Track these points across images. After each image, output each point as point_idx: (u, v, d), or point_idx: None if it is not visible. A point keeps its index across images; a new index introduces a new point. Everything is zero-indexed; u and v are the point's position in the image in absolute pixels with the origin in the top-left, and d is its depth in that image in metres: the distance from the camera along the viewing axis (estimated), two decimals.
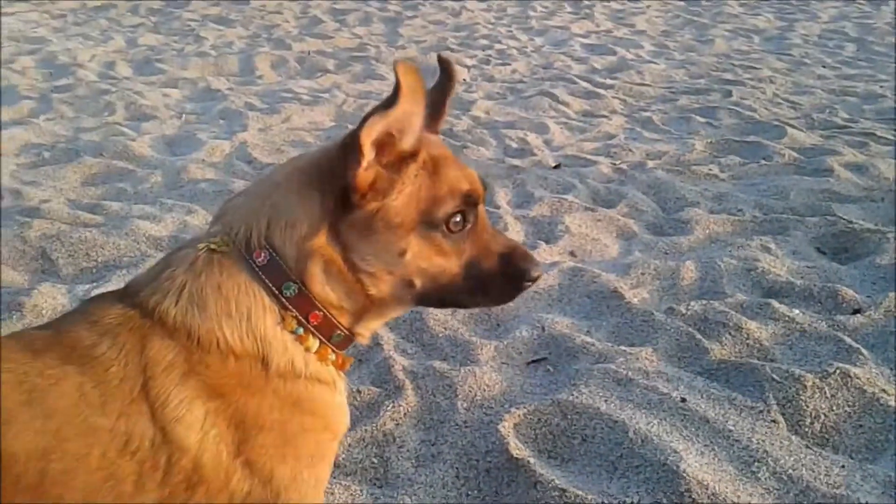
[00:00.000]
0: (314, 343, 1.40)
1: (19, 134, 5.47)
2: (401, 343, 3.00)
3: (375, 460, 2.40)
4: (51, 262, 3.63)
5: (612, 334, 3.07)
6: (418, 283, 1.41)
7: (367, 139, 1.29)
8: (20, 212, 4.13)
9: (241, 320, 1.35)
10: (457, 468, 2.35)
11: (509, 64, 7.88)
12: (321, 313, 1.39)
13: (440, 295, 1.46)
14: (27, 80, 7.04)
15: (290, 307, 1.36)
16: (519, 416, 2.53)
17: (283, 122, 5.98)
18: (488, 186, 1.64)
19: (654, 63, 7.89)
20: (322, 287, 1.38)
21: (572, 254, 3.83)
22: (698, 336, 2.95)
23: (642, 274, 3.52)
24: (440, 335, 3.04)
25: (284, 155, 5.18)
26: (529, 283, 1.50)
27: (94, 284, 3.38)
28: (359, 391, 2.66)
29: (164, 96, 6.66)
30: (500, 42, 8.95)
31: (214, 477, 1.30)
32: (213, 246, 1.39)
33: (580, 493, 2.19)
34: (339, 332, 1.43)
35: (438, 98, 1.55)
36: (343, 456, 2.38)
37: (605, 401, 2.59)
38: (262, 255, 1.36)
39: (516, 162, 5.06)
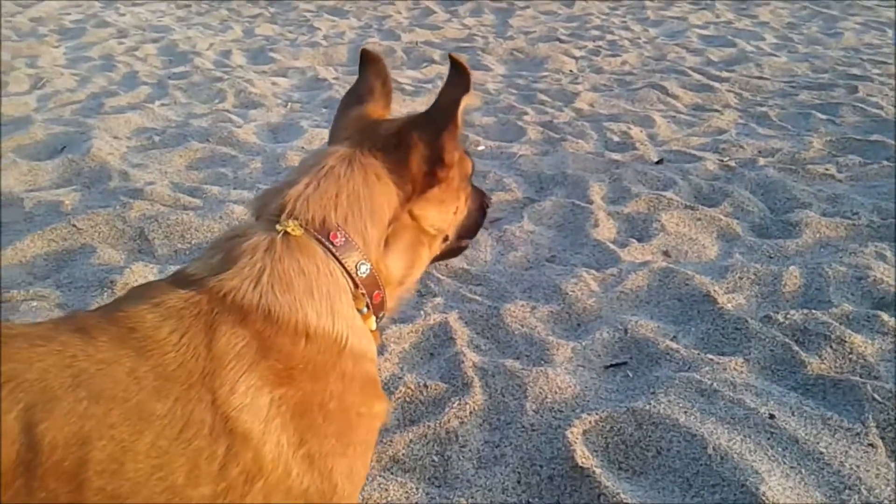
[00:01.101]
0: (373, 322, 1.50)
1: (134, 118, 5.70)
2: (475, 339, 2.92)
3: (436, 458, 2.33)
4: (147, 241, 3.75)
5: (700, 341, 2.89)
6: (452, 233, 1.67)
7: (460, 116, 1.45)
8: (125, 192, 4.29)
9: (322, 300, 1.37)
10: (519, 473, 2.25)
11: (619, 55, 7.63)
12: (381, 293, 1.49)
13: (455, 242, 1.72)
14: (148, 66, 7.34)
15: (362, 286, 1.43)
16: (590, 422, 2.40)
17: None
18: None
19: (776, 56, 7.45)
20: (396, 264, 1.53)
21: (666, 254, 3.63)
22: (795, 347, 2.73)
23: (740, 278, 3.30)
24: (516, 332, 2.94)
25: None
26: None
27: (184, 265, 3.46)
28: (426, 386, 2.59)
29: (273, 85, 6.81)
30: (611, 33, 8.69)
31: (273, 470, 1.24)
32: (289, 230, 1.40)
33: None
34: (383, 312, 1.53)
35: (374, 83, 1.74)
36: (403, 451, 2.32)
37: (685, 412, 2.42)
38: (339, 236, 1.42)
39: (616, 156, 4.87)
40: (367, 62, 1.77)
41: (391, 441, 2.34)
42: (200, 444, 1.17)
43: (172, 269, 3.42)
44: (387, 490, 2.17)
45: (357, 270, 1.42)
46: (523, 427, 2.41)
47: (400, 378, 2.63)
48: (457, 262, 3.54)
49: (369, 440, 1.44)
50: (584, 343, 2.87)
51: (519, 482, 2.22)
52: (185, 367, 1.20)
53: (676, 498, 2.14)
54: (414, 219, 1.54)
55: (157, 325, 1.23)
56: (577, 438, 2.32)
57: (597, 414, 2.43)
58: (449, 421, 2.44)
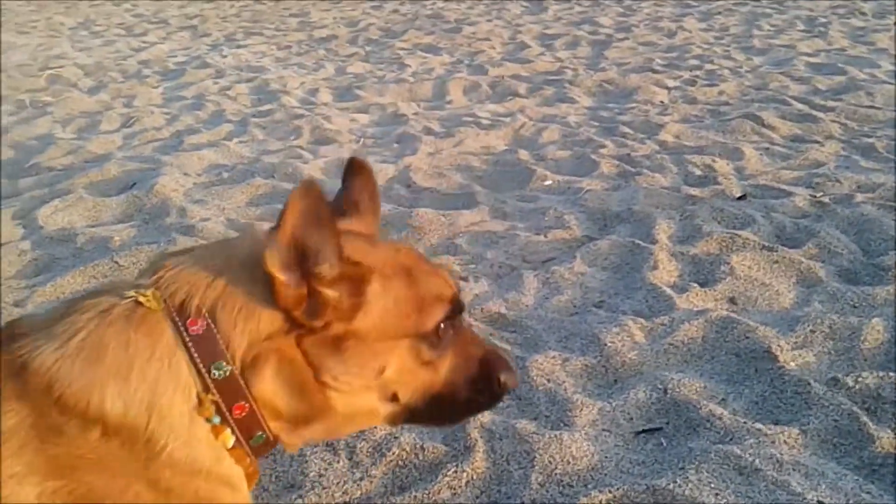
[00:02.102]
0: (230, 438, 1.20)
1: (208, 155, 5.74)
2: None
3: None
4: None
5: (752, 405, 2.48)
6: (403, 396, 1.31)
7: (273, 268, 1.15)
8: (178, 229, 4.26)
9: (139, 388, 1.13)
10: None
11: (716, 84, 7.16)
12: (248, 406, 1.20)
13: (425, 410, 1.34)
14: (236, 105, 7.47)
15: (214, 390, 1.17)
16: (600, 500, 2.07)
17: (455, 145, 5.79)
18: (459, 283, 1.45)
19: (890, 83, 6.79)
20: (268, 386, 1.20)
21: (732, 300, 3.22)
22: (864, 418, 2.30)
23: (812, 331, 2.86)
24: (540, 388, 2.63)
25: (444, 180, 4.98)
26: (504, 395, 1.42)
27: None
28: (422, 448, 2.33)
29: (350, 121, 6.76)
30: (711, 62, 8.20)
31: None
32: (141, 299, 1.18)
33: None
34: (261, 433, 1.23)
35: (360, 196, 1.45)
36: None
37: (717, 494, 2.05)
38: (200, 323, 1.17)
39: (694, 191, 4.46)
40: (354, 173, 1.49)
41: None
42: None
43: None
44: None
45: (211, 370, 1.16)
46: (523, 503, 2.10)
47: (396, 438, 2.37)
48: (494, 305, 3.26)
49: None
50: (614, 403, 2.53)
51: None
52: None
53: None
54: (308, 360, 1.21)
55: None
56: None
57: (610, 492, 2.09)
58: (440, 491, 2.16)
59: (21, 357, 1.12)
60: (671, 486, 2.07)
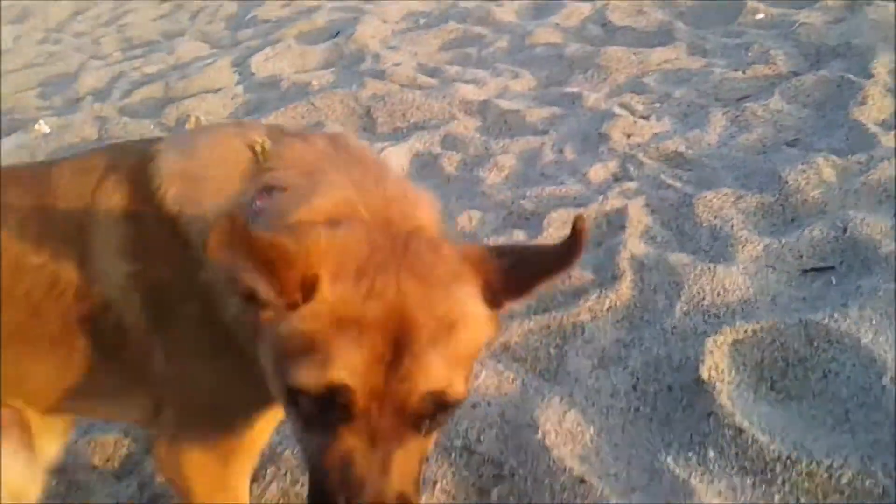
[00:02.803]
0: None
1: (407, 3, 5.79)
2: (654, 229, 2.54)
3: (552, 351, 2.10)
4: (372, 120, 3.84)
5: None
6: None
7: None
8: (370, 73, 4.42)
9: (204, 199, 1.18)
10: (637, 378, 1.94)
11: None
12: None
13: None
14: None
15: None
16: (747, 331, 1.98)
17: None
18: None
19: None
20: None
21: None
22: None
23: None
24: (704, 224, 2.51)
25: (643, 17, 4.67)
26: None
27: (394, 143, 3.49)
28: (569, 275, 2.33)
29: None
30: None
31: (136, 341, 1.21)
32: (258, 149, 1.21)
33: (763, 437, 1.65)
34: None
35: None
36: (517, 340, 2.13)
37: (875, 332, 1.89)
38: (264, 201, 1.14)
39: None
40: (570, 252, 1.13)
41: (506, 329, 2.15)
42: (68, 302, 1.18)
43: (380, 146, 3.46)
44: (479, 376, 2.00)
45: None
46: (663, 329, 2.07)
47: None
48: (672, 143, 3.11)
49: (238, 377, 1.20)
50: (784, 241, 2.36)
51: (634, 388, 1.92)
52: (69, 219, 1.19)
53: (822, 431, 1.70)
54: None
55: (67, 175, 1.24)
56: (719, 348, 1.93)
57: (758, 323, 1.99)
58: (579, 315, 2.17)
59: (152, 150, 1.25)
60: (826, 321, 1.93)
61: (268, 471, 1.71)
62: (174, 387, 1.24)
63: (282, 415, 1.29)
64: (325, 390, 0.96)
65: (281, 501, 1.67)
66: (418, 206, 1.16)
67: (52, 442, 1.48)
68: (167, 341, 1.20)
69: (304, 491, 1.67)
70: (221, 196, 1.17)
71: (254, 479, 1.70)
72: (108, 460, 1.88)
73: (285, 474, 1.70)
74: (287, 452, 1.76)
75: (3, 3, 7.24)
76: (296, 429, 1.08)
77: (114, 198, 1.20)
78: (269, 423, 1.34)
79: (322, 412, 0.99)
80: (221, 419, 1.27)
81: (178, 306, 1.18)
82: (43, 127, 4.21)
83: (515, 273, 1.05)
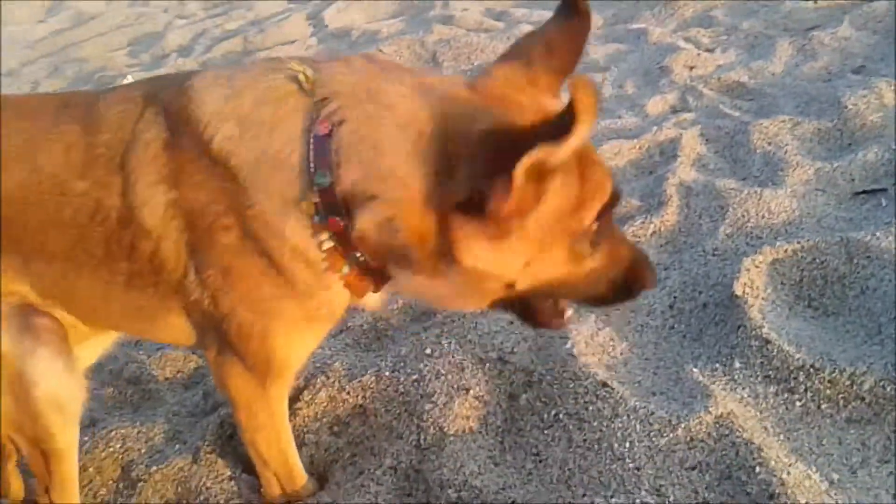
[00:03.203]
0: (328, 241, 1.24)
1: None
2: (706, 157, 2.54)
3: None
4: (437, 63, 3.91)
5: None
6: (522, 285, 1.21)
7: (523, 174, 1.05)
8: (439, 20, 4.48)
9: (252, 146, 1.22)
10: (675, 297, 1.98)
11: None
12: (343, 225, 1.21)
13: (530, 297, 1.27)
14: None
15: (316, 192, 1.20)
16: (787, 251, 1.98)
17: None
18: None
19: None
20: (366, 229, 1.18)
21: None
22: None
23: None
24: (758, 151, 2.49)
25: None
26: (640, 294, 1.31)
27: None
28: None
29: None
30: None
31: (173, 269, 1.30)
32: (301, 78, 1.22)
33: (788, 348, 1.68)
34: (360, 255, 1.25)
35: (564, 39, 1.25)
36: None
37: None
38: (327, 127, 1.18)
39: None
40: (571, 12, 1.25)
41: None
42: (110, 228, 1.28)
43: None
44: None
45: (315, 175, 1.18)
46: (705, 251, 2.09)
47: None
48: (734, 74, 3.06)
49: (277, 309, 1.31)
50: (836, 164, 2.33)
51: (671, 306, 1.96)
52: (111, 147, 1.28)
53: (851, 343, 1.71)
54: (449, 238, 1.14)
55: (109, 106, 1.32)
56: (756, 266, 1.94)
57: (801, 242, 1.99)
58: None
59: (190, 84, 1.30)
60: (868, 239, 1.92)
61: (318, 380, 1.85)
62: (210, 312, 1.32)
63: (321, 336, 1.45)
64: (609, 201, 1.18)
65: (329, 406, 1.80)
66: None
67: (91, 350, 1.61)
68: (203, 268, 1.28)
69: (351, 397, 1.81)
70: (276, 136, 1.21)
71: (305, 387, 1.85)
72: (178, 372, 2.07)
73: (333, 383, 1.84)
74: (337, 364, 1.89)
75: None
76: (567, 267, 1.21)
77: (153, 129, 1.27)
78: (305, 347, 1.43)
79: (598, 230, 1.19)
80: (255, 342, 1.35)
81: (217, 234, 1.25)
82: (131, 81, 4.46)
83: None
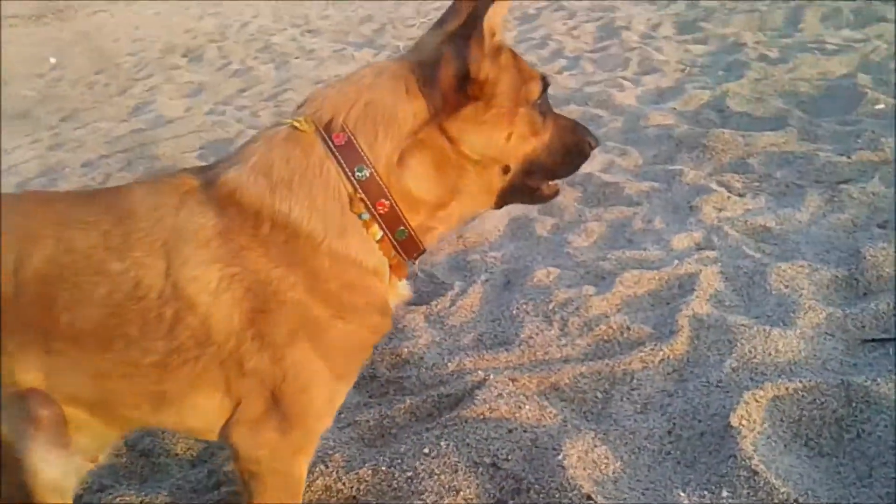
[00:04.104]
0: (377, 232, 1.44)
1: None
2: (722, 293, 2.61)
3: (599, 395, 2.21)
4: None
5: None
6: (513, 165, 1.50)
7: (489, 27, 1.37)
8: None
9: (300, 192, 1.39)
10: (674, 423, 2.02)
11: None
12: (388, 202, 1.43)
13: (522, 178, 1.53)
14: (577, 43, 7.73)
15: (359, 189, 1.41)
16: (787, 389, 2.03)
17: (788, 72, 5.44)
18: None
19: None
20: (418, 182, 1.45)
21: None
22: None
23: None
24: (774, 293, 2.56)
25: (761, 105, 4.75)
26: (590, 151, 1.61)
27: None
28: (628, 328, 2.45)
29: (683, 52, 6.64)
30: None
31: (224, 340, 1.36)
32: (295, 124, 1.46)
33: (776, 481, 1.70)
34: (402, 227, 1.46)
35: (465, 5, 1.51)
36: (567, 382, 2.26)
37: None
38: (342, 136, 1.41)
39: None
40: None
41: (559, 370, 2.28)
42: (149, 305, 1.35)
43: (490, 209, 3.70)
44: (523, 408, 2.14)
45: (354, 173, 1.40)
46: (709, 382, 2.14)
47: (607, 318, 2.52)
48: (762, 219, 3.17)
49: (347, 346, 1.45)
50: (848, 311, 2.38)
51: (669, 432, 2.00)
52: (151, 235, 1.38)
53: (840, 483, 1.72)
54: (451, 141, 1.44)
55: (142, 198, 1.43)
56: (756, 400, 1.99)
57: (802, 382, 2.03)
58: (631, 363, 2.28)
59: (213, 173, 1.46)
60: (869, 384, 1.95)
61: (317, 468, 1.92)
62: (264, 377, 1.39)
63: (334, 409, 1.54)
64: (543, 81, 1.51)
65: (323, 495, 1.87)
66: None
67: (94, 442, 1.55)
68: (265, 333, 1.37)
69: (346, 488, 1.87)
70: (312, 174, 1.42)
71: None
72: (188, 449, 2.16)
73: (331, 472, 1.90)
74: (337, 455, 1.96)
75: (181, 79, 8.22)
76: (533, 138, 1.50)
77: (200, 217, 1.39)
78: (340, 396, 1.53)
79: (542, 105, 1.51)
80: (307, 404, 1.44)
81: (281, 295, 1.37)
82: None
83: None
